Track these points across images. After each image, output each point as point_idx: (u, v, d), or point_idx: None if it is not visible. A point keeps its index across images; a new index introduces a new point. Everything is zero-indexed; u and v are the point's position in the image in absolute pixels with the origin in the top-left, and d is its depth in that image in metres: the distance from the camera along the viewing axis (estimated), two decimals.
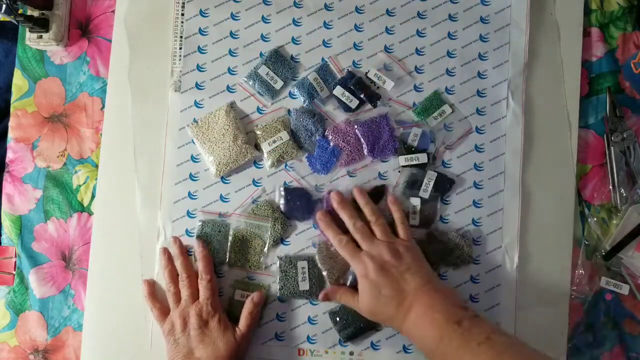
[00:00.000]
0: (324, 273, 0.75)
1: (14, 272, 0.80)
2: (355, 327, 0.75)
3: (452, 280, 0.76)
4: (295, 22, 0.79)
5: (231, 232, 0.76)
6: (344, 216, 0.73)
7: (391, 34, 0.78)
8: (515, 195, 0.77)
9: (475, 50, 0.78)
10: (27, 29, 0.78)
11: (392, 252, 0.68)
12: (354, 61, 0.79)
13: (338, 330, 0.75)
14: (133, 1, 0.80)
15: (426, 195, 0.76)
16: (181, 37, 0.79)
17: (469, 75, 0.78)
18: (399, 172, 0.77)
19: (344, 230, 0.73)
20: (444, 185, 0.76)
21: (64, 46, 0.81)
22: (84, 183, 0.80)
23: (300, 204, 0.76)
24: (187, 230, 0.77)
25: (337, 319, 0.75)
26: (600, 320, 0.77)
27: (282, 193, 0.77)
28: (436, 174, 0.76)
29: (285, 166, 0.78)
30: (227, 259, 0.76)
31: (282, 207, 0.76)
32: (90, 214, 0.80)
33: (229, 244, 0.76)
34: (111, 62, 0.80)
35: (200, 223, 0.76)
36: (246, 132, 0.78)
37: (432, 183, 0.76)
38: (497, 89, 0.78)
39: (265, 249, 0.76)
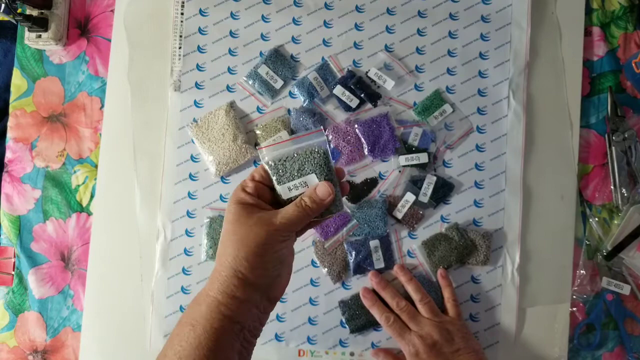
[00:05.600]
0: (324, 270, 0.75)
1: (13, 273, 0.80)
2: (364, 320, 0.75)
3: (452, 280, 0.75)
4: (295, 21, 0.78)
5: None
6: (386, 296, 0.73)
7: (391, 33, 0.78)
8: (516, 195, 0.76)
9: (476, 49, 0.78)
10: (26, 29, 0.78)
11: (442, 332, 0.67)
12: (354, 60, 0.78)
13: (346, 320, 0.75)
14: (132, 0, 0.80)
15: (425, 199, 0.76)
16: (181, 36, 0.79)
17: (469, 75, 0.78)
18: (400, 171, 0.77)
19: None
20: (443, 189, 0.76)
21: (62, 45, 0.81)
22: (83, 183, 0.80)
23: None
24: (187, 231, 0.77)
25: (347, 309, 0.75)
26: (601, 320, 0.76)
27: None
28: (435, 178, 0.75)
29: None
30: None
31: None
32: (89, 214, 0.79)
33: None
34: (111, 62, 0.80)
35: (207, 220, 0.76)
36: (246, 131, 0.78)
37: (431, 187, 0.75)
38: (498, 88, 0.77)
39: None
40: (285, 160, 0.50)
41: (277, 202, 0.51)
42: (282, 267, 0.49)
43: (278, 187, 0.50)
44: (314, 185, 0.49)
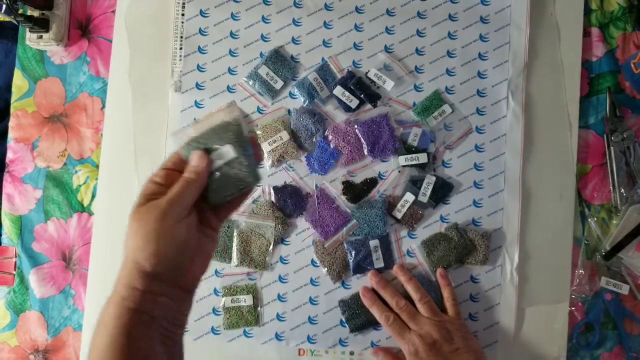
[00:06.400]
0: (324, 270, 0.76)
1: (14, 272, 0.80)
2: (364, 320, 0.75)
3: (451, 279, 0.75)
4: (295, 22, 0.79)
5: (236, 232, 0.76)
6: (386, 295, 0.73)
7: (391, 33, 0.78)
8: (515, 195, 0.77)
9: (475, 50, 0.78)
10: (27, 29, 0.78)
11: (442, 331, 0.68)
12: (354, 61, 0.79)
13: (346, 319, 0.75)
14: (133, 1, 0.80)
15: (424, 199, 0.76)
16: (181, 37, 0.79)
17: (469, 75, 0.78)
18: (399, 171, 0.77)
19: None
20: (443, 189, 0.76)
21: (64, 46, 0.81)
22: (84, 183, 0.80)
23: (290, 201, 0.76)
24: None
25: (347, 308, 0.75)
26: (600, 320, 0.77)
27: (272, 192, 0.77)
28: (435, 178, 0.76)
29: (285, 166, 0.78)
30: (232, 259, 0.76)
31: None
32: (91, 214, 0.80)
33: (234, 244, 0.76)
34: (112, 62, 0.80)
35: None
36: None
37: (431, 187, 0.76)
38: (497, 89, 0.78)
39: (270, 248, 0.76)
40: (200, 138, 0.49)
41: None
42: (186, 253, 0.47)
43: None
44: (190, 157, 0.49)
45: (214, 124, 0.50)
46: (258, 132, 0.77)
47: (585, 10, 0.80)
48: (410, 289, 0.73)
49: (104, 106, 0.80)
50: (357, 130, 0.77)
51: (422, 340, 0.67)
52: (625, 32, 0.80)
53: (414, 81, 0.78)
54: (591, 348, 0.77)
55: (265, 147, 0.77)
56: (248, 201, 0.77)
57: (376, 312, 0.72)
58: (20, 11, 0.80)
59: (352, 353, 0.76)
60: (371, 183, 0.77)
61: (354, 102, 0.77)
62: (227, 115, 0.50)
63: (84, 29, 0.82)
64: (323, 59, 0.79)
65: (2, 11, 0.73)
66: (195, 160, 0.48)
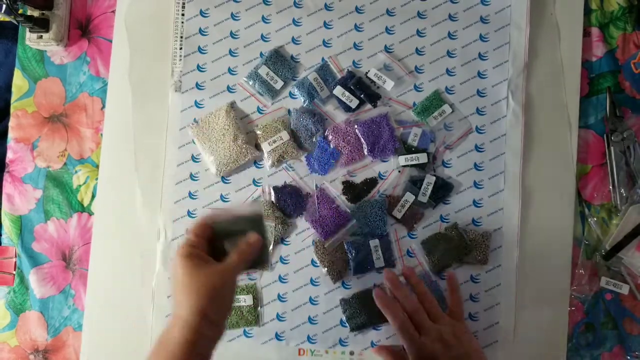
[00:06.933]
0: (324, 270, 0.76)
1: (14, 272, 0.80)
2: (364, 319, 0.75)
3: None
4: (295, 22, 0.79)
5: None
6: (400, 296, 0.72)
7: (391, 33, 0.79)
8: (516, 195, 0.77)
9: (475, 50, 0.78)
10: (27, 29, 0.78)
11: (450, 335, 0.67)
12: (354, 61, 0.79)
13: (347, 318, 0.75)
14: (133, 1, 0.80)
15: (424, 199, 0.76)
16: (181, 37, 0.79)
17: (469, 75, 0.78)
18: (399, 171, 0.77)
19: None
20: (443, 189, 0.76)
21: (64, 46, 0.81)
22: (84, 183, 0.80)
23: (290, 201, 0.76)
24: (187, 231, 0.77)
25: (348, 307, 0.76)
26: (600, 320, 0.77)
27: (272, 192, 0.77)
28: (435, 178, 0.76)
29: (285, 166, 0.78)
30: None
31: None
32: (91, 214, 0.80)
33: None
34: (112, 62, 0.80)
35: None
36: (246, 132, 0.78)
37: (431, 187, 0.76)
38: (497, 89, 0.78)
39: (270, 248, 0.76)
40: (233, 223, 0.63)
41: (213, 250, 0.61)
42: (233, 302, 0.63)
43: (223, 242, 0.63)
44: (248, 236, 0.63)
45: (243, 212, 0.65)
46: (258, 132, 0.77)
47: (585, 10, 0.80)
48: (417, 292, 0.72)
49: (104, 106, 0.80)
50: (357, 130, 0.77)
51: (432, 343, 0.67)
52: (625, 32, 0.80)
53: (414, 81, 0.78)
54: (591, 348, 0.77)
55: (265, 147, 0.77)
56: (248, 201, 0.77)
57: (388, 314, 0.72)
58: (20, 11, 0.80)
59: (352, 353, 0.76)
60: (371, 183, 0.77)
61: (354, 102, 0.77)
62: (253, 207, 0.67)
63: (84, 29, 0.82)
64: (323, 59, 0.79)
65: (2, 11, 0.73)
66: (254, 240, 0.62)
